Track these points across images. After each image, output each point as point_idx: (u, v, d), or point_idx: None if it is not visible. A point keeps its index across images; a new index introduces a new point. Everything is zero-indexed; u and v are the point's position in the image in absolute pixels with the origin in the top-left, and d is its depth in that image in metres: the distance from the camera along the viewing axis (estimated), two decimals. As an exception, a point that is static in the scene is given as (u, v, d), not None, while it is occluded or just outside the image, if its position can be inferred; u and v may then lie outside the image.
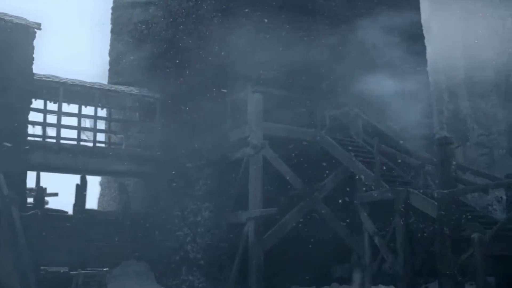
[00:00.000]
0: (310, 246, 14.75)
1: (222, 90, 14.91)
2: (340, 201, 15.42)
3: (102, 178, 21.08)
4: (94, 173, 17.25)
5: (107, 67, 20.97)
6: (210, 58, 15.25)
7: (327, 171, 14.91)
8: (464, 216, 11.61)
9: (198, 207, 14.70)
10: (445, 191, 10.76)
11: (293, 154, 14.87)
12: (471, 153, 21.84)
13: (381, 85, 17.48)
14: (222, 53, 15.05)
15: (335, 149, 14.24)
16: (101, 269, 15.02)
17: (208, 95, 15.18)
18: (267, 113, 14.57)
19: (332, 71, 16.62)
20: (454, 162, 11.20)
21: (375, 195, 12.77)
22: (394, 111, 17.73)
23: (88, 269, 14.86)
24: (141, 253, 16.12)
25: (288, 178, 14.01)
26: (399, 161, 13.79)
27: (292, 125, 14.77)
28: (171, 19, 17.25)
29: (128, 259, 15.96)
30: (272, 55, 15.49)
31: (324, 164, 15.04)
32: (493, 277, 12.01)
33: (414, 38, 18.94)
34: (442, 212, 10.78)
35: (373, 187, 13.12)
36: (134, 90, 17.16)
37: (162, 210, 16.00)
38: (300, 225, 14.23)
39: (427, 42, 19.93)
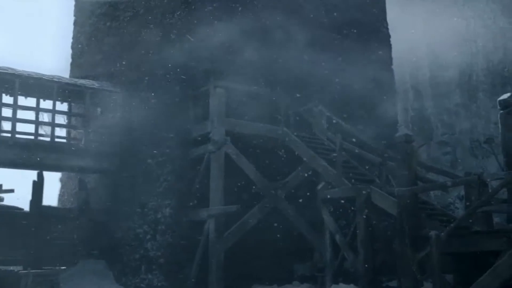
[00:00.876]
0: (273, 244, 14.61)
1: (185, 84, 14.61)
2: (303, 198, 15.37)
3: (62, 175, 20.50)
4: (52, 169, 16.74)
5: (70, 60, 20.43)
6: (172, 52, 14.92)
7: (290, 169, 14.78)
8: (424, 214, 11.64)
9: (159, 204, 14.39)
10: (404, 188, 10.70)
11: (256, 151, 14.69)
12: (434, 151, 22.05)
13: (346, 82, 17.48)
14: (185, 47, 14.74)
15: (298, 146, 14.11)
16: (55, 268, 14.56)
17: (170, 90, 14.86)
18: (230, 109, 14.38)
19: (298, 68, 16.51)
20: (414, 160, 11.15)
21: (336, 192, 12.66)
22: (358, 109, 17.76)
23: (44, 268, 14.39)
24: (100, 251, 15.72)
25: (250, 175, 13.81)
26: (362, 158, 13.73)
27: (257, 121, 14.59)
28: (134, 12, 16.86)
29: (86, 257, 15.54)
30: (236, 50, 15.28)
31: (288, 161, 14.90)
32: (452, 275, 12.10)
33: (380, 37, 19.00)
34: (402, 210, 10.72)
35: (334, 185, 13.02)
36: (95, 84, 16.71)
37: (122, 207, 15.61)
38: (262, 222, 14.05)
39: (393, 41, 20.03)
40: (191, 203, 13.99)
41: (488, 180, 9.88)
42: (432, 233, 9.25)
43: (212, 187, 13.45)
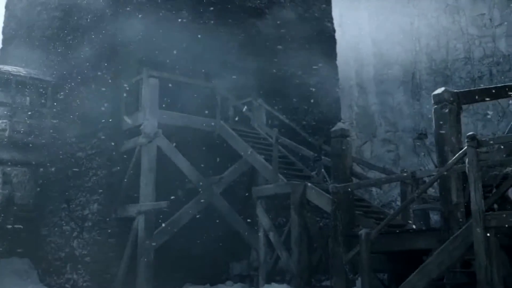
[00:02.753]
0: (208, 242, 14.10)
1: (116, 74, 13.84)
2: (242, 195, 14.92)
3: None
4: (-28, 161, 15.60)
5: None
6: (104, 39, 14.12)
7: (228, 164, 14.26)
8: (360, 211, 11.36)
9: (87, 199, 13.59)
10: (338, 185, 10.35)
11: (191, 145, 14.09)
12: (378, 149, 22.01)
13: (288, 76, 17.12)
14: (117, 35, 13.96)
15: (234, 140, 13.60)
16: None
17: (101, 79, 14.06)
18: (165, 100, 13.72)
19: (238, 60, 16.00)
20: (349, 155, 10.82)
21: (271, 189, 12.21)
22: (300, 103, 17.44)
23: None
24: (24, 250, 14.74)
25: (183, 169, 13.20)
26: (300, 154, 13.36)
27: (193, 114, 13.98)
28: (65, -4, 15.92)
29: (9, 256, 14.54)
30: (172, 40, 14.62)
31: (225, 156, 14.38)
32: (386, 274, 11.90)
33: (324, 31, 18.72)
34: (336, 207, 10.38)
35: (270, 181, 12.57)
36: (22, 71, 15.67)
37: (49, 202, 14.72)
38: (197, 219, 13.47)
39: (339, 37, 19.81)
40: (121, 199, 13.23)
41: (421, 177, 9.62)
42: (362, 231, 8.91)
43: (142, 182, 12.75)
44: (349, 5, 22.57)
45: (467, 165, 7.40)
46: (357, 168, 19.01)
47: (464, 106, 19.51)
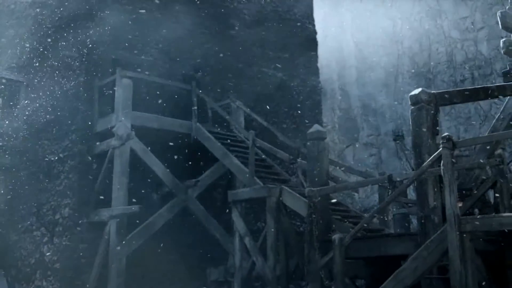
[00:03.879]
0: (184, 247, 13.72)
1: (90, 74, 13.47)
2: (220, 199, 14.59)
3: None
4: None
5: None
6: (77, 39, 13.74)
7: (205, 167, 13.92)
8: (339, 216, 11.08)
9: (58, 203, 13.16)
10: (314, 188, 10.05)
11: (167, 148, 13.72)
12: (360, 153, 21.79)
13: (267, 78, 16.86)
14: (91, 35, 13.58)
15: (211, 143, 13.26)
16: None
17: (75, 80, 13.66)
18: (140, 102, 13.38)
19: (216, 62, 15.71)
20: (326, 158, 10.54)
21: (247, 193, 11.88)
22: (281, 106, 17.18)
23: None
24: (-7, 256, 14.27)
25: (158, 173, 12.83)
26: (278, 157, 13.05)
27: (170, 116, 13.63)
28: (37, -5, 15.53)
29: (-23, 262, 14.07)
30: (148, 40, 14.31)
31: (202, 159, 14.03)
32: (364, 280, 11.60)
33: (306, 33, 18.48)
34: (312, 211, 10.07)
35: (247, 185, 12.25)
36: (-7, 71, 15.25)
37: (19, 207, 14.24)
38: (172, 224, 13.11)
39: (322, 39, 19.60)
40: (93, 203, 12.82)
41: (398, 180, 9.36)
42: (335, 236, 8.62)
43: (115, 185, 12.35)
44: (332, 7, 22.38)
45: (442, 167, 7.13)
46: (340, 173, 18.85)
47: (446, 110, 19.38)
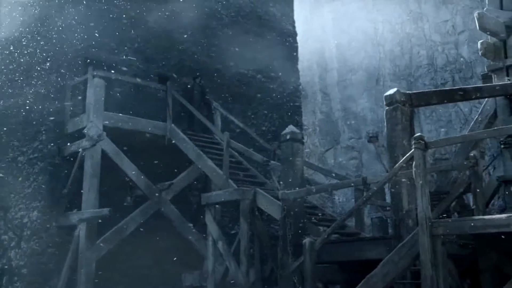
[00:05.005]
0: (157, 251, 13.38)
1: (62, 73, 13.11)
2: (194, 202, 14.29)
3: None
4: None
5: None
6: (49, 38, 13.37)
7: (182, 170, 13.60)
8: (315, 219, 10.84)
9: (27, 206, 12.74)
10: (288, 191, 9.80)
11: (142, 150, 13.38)
12: (341, 156, 21.59)
13: (246, 79, 16.60)
14: (63, 33, 13.22)
15: (185, 145, 12.94)
16: None
17: (45, 79, 13.29)
18: (113, 102, 13.05)
19: (194, 62, 15.41)
20: (301, 160, 10.29)
21: (220, 195, 11.58)
22: (260, 109, 16.93)
23: None
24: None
25: (130, 175, 12.49)
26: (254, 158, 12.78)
27: (146, 117, 13.31)
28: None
29: None
30: (123, 40, 13.99)
31: (178, 161, 13.72)
32: (339, 285, 11.36)
33: (285, 33, 18.25)
34: (286, 214, 9.82)
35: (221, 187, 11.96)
36: (-37, 70, 14.78)
37: (-13, 210, 13.78)
38: (145, 228, 12.76)
39: (303, 41, 19.38)
40: (62, 206, 12.44)
41: (373, 182, 9.13)
42: (306, 240, 8.36)
43: (85, 188, 11.98)
44: (313, 10, 22.20)
45: (413, 169, 6.91)
46: (321, 177, 18.61)
47: (427, 113, 19.19)
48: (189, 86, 14.31)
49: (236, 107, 16.26)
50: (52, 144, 12.84)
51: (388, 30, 21.22)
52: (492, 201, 13.39)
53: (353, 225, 11.95)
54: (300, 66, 18.73)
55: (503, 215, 6.27)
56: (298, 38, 18.68)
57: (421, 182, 6.76)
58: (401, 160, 7.36)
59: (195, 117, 13.86)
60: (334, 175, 11.44)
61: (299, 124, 18.00)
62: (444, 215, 9.92)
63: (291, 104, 17.85)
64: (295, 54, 18.36)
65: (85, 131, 12.14)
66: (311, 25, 22.05)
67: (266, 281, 11.49)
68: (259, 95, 16.91)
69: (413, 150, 6.99)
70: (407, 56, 20.63)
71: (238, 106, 16.40)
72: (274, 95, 17.44)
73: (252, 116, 16.90)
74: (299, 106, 18.08)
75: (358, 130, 21.48)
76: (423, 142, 6.87)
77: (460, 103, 18.40)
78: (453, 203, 10.22)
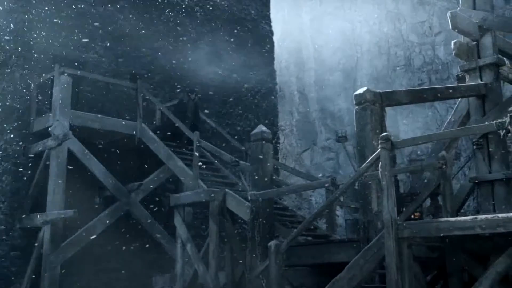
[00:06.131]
0: (126, 253, 13.04)
1: (28, 71, 12.71)
2: (166, 203, 13.94)
3: None
4: None
5: None
6: (15, 34, 12.95)
7: (152, 170, 13.28)
8: (282, 221, 10.61)
9: (-11, 208, 12.29)
10: (257, 192, 9.55)
11: (111, 150, 13.04)
12: (318, 157, 21.43)
13: (223, 80, 16.33)
14: (29, 30, 12.82)
15: (155, 144, 12.63)
16: None
17: (10, 76, 12.87)
18: (82, 101, 12.70)
19: (166, 61, 15.10)
20: (270, 160, 10.05)
21: (189, 197, 11.30)
22: (235, 109, 16.68)
23: None
24: None
25: (98, 175, 12.14)
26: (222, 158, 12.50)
27: (117, 117, 12.96)
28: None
29: None
30: (94, 37, 13.63)
31: (149, 162, 13.39)
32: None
33: (261, 33, 18.02)
34: (254, 216, 9.58)
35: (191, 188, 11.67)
36: None
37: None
38: (114, 229, 12.43)
39: (281, 41, 19.19)
40: (26, 208, 12.04)
41: (341, 183, 8.91)
42: (271, 242, 8.12)
43: (50, 188, 11.60)
44: (291, 9, 22.01)
45: (379, 169, 6.71)
46: (299, 178, 18.37)
47: (404, 114, 19.07)
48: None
49: (210, 106, 15.98)
50: (17, 143, 12.44)
51: (365, 30, 21.12)
52: (467, 202, 13.33)
53: (322, 226, 11.76)
54: (277, 66, 18.52)
55: (469, 217, 6.10)
56: (275, 38, 18.48)
57: (387, 182, 6.55)
58: (367, 161, 7.16)
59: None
60: (308, 176, 11.21)
61: (275, 125, 17.82)
62: (417, 217, 9.79)
63: (267, 104, 17.63)
64: (271, 54, 18.15)
65: (50, 129, 11.75)
66: (289, 25, 21.85)
67: (237, 285, 11.23)
68: (234, 95, 16.66)
69: (379, 150, 6.79)
70: (384, 56, 20.54)
71: (212, 106, 16.13)
72: (249, 95, 17.21)
73: (227, 116, 16.66)
74: (275, 106, 17.88)
75: (335, 131, 21.34)
76: (390, 142, 6.67)
77: (436, 104, 18.37)
78: (428, 205, 10.10)
